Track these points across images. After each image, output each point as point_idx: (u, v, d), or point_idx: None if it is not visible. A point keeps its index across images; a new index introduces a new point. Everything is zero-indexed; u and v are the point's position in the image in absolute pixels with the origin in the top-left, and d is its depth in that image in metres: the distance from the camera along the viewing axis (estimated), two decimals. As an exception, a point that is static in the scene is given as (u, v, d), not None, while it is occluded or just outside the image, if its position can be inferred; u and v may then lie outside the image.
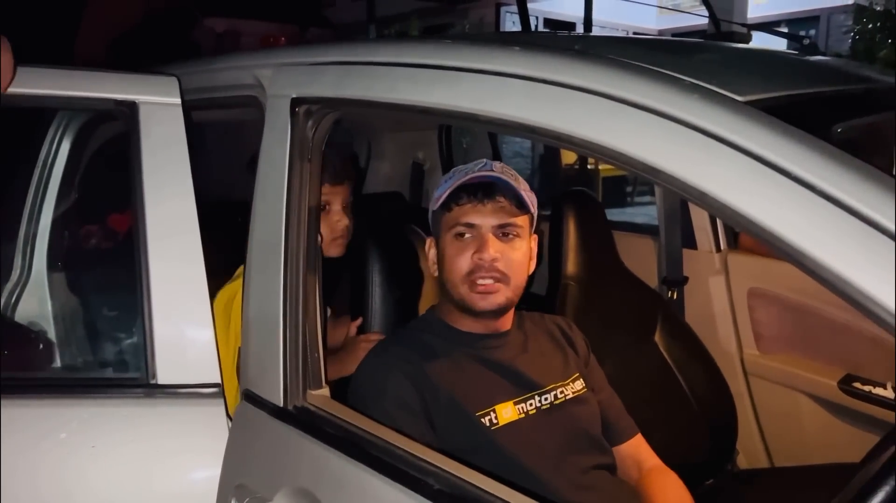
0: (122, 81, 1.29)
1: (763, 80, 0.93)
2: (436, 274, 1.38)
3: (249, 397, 1.19)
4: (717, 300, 2.23)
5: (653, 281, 2.26)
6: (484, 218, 1.28)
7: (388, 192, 2.68)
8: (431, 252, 1.37)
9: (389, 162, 2.79)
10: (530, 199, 1.31)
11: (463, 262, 1.28)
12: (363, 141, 2.81)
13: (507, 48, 0.98)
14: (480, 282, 1.28)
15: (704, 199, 0.74)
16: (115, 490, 1.18)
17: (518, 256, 1.30)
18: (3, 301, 1.72)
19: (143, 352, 1.21)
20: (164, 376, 1.20)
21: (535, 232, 1.37)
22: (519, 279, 1.31)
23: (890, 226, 0.65)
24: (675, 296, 2.26)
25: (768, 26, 1.70)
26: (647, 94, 0.81)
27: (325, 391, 1.18)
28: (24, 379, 1.30)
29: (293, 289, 1.15)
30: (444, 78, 1.00)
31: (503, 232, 1.29)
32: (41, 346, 1.60)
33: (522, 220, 1.31)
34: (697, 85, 0.82)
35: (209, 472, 1.17)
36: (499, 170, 1.30)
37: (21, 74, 1.24)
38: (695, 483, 1.87)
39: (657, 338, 1.99)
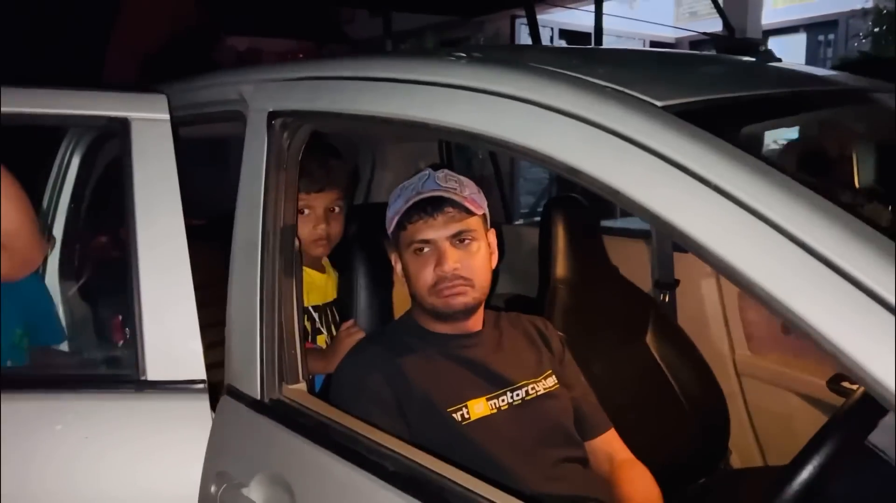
0: (114, 99, 1.39)
1: (687, 85, 0.99)
2: (405, 286, 1.44)
3: (231, 391, 1.27)
4: (708, 302, 2.27)
5: (645, 284, 2.30)
6: (437, 231, 1.34)
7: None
8: (398, 266, 1.43)
9: (393, 172, 2.87)
10: (478, 200, 1.37)
11: (427, 276, 1.35)
12: (367, 152, 2.91)
13: (453, 62, 1.05)
14: (446, 291, 1.34)
15: (617, 197, 0.81)
16: (106, 480, 1.26)
17: (477, 259, 1.37)
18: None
19: (134, 351, 1.30)
20: (153, 373, 1.29)
21: (491, 226, 1.44)
22: (482, 279, 1.38)
23: (779, 220, 0.71)
24: (666, 299, 2.29)
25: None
26: (569, 101, 0.88)
27: (302, 386, 1.25)
28: (27, 374, 1.39)
29: (269, 290, 1.23)
30: (398, 90, 1.08)
31: (458, 239, 1.35)
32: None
33: (475, 223, 1.37)
34: (618, 91, 0.88)
35: (194, 462, 1.25)
36: (442, 179, 1.35)
37: (22, 95, 1.35)
38: (688, 481, 1.91)
39: (648, 339, 2.02)
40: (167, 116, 1.37)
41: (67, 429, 1.25)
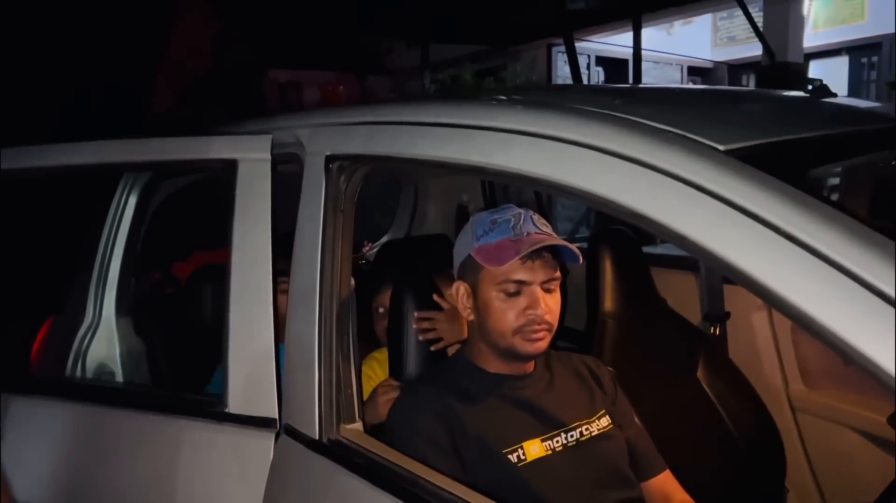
0: (225, 143, 1.47)
1: (747, 127, 0.99)
2: (470, 317, 1.40)
3: (289, 431, 1.28)
4: (760, 335, 2.23)
5: (695, 317, 2.27)
6: (534, 274, 1.31)
7: (433, 235, 2.78)
8: (465, 298, 1.39)
9: (435, 205, 2.90)
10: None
11: (514, 317, 1.32)
12: (410, 186, 2.94)
13: (512, 107, 1.07)
14: (533, 335, 1.33)
15: (684, 243, 0.81)
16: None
17: (558, 305, 1.36)
18: (76, 343, 1.89)
19: (222, 384, 1.37)
20: (233, 406, 1.35)
21: None
22: (556, 324, 1.37)
23: (851, 265, 0.70)
24: (717, 332, 2.26)
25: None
26: (633, 146, 0.88)
27: (359, 425, 1.26)
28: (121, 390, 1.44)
29: (327, 329, 1.24)
30: (456, 135, 1.09)
31: (547, 287, 1.33)
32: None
33: (559, 270, 1.36)
34: (681, 136, 0.89)
35: (256, 498, 1.27)
36: (539, 223, 1.33)
37: (147, 145, 1.49)
38: (743, 521, 1.86)
39: (699, 374, 1.98)
40: (269, 156, 1.42)
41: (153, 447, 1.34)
